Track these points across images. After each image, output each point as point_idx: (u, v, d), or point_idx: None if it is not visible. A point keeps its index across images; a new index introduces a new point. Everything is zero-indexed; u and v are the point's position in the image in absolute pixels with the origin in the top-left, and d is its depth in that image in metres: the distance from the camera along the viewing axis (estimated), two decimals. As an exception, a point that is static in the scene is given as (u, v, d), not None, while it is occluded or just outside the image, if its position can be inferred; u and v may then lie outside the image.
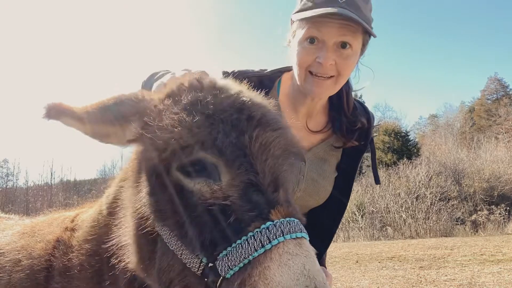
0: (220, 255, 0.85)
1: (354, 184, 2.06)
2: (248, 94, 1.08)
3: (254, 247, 0.83)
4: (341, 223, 2.14)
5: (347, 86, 1.86)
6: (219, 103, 0.98)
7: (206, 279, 0.87)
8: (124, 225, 1.11)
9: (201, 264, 0.88)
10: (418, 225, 18.97)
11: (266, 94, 1.33)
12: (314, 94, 1.71)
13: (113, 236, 1.15)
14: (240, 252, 0.83)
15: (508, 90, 42.27)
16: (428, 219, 18.97)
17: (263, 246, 0.82)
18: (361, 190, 21.44)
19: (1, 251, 1.41)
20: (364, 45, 1.74)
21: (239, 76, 1.81)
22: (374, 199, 21.04)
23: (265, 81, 1.80)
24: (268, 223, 0.85)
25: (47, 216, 1.62)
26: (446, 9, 69.61)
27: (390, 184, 21.18)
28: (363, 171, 22.25)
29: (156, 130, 0.97)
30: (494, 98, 41.73)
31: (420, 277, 7.98)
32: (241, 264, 0.82)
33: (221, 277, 0.85)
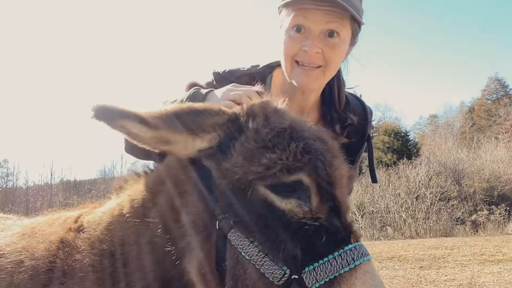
0: (307, 269, 0.94)
1: (354, 184, 2.00)
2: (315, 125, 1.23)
3: (342, 265, 0.94)
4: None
5: (339, 80, 1.82)
6: (306, 132, 1.10)
7: None
8: (181, 232, 1.12)
9: (285, 275, 0.95)
10: (418, 225, 18.96)
11: None
12: (302, 84, 1.66)
13: (154, 241, 1.16)
14: (328, 268, 0.93)
15: (508, 90, 42.24)
16: (428, 219, 18.95)
17: (348, 264, 0.94)
18: (361, 190, 21.36)
19: (1, 252, 1.39)
20: (354, 35, 1.70)
21: (230, 75, 1.76)
22: (374, 199, 21.00)
23: (257, 78, 1.75)
24: (350, 245, 0.97)
25: (47, 217, 1.59)
26: (446, 9, 69.63)
27: (390, 184, 21.13)
28: (363, 171, 22.23)
29: (256, 148, 1.04)
30: (494, 98, 41.67)
31: (420, 277, 7.98)
32: (327, 279, 0.93)
33: None
